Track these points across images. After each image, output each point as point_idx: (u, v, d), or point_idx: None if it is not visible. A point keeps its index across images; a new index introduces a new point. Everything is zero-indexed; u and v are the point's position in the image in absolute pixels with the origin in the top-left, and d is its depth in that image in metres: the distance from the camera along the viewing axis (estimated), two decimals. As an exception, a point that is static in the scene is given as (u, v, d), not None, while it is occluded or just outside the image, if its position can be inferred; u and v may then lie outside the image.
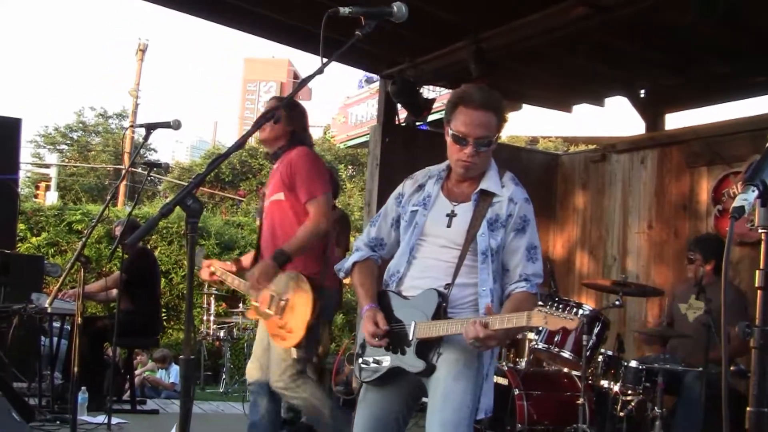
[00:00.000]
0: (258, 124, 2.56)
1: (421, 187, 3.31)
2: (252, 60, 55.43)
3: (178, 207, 2.38)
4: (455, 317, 3.06)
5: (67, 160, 33.91)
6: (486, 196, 3.16)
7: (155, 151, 37.52)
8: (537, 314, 2.79)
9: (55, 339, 7.15)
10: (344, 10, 2.60)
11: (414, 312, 3.12)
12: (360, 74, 17.41)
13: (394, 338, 3.14)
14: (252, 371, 4.45)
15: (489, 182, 3.18)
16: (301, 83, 2.55)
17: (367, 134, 15.15)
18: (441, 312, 3.06)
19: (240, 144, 2.40)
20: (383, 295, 3.29)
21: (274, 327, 4.25)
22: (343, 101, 17.99)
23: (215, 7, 7.31)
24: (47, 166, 31.29)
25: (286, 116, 4.39)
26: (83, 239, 4.95)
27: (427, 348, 3.08)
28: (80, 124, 35.88)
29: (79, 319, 4.50)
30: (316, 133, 35.26)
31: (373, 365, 3.21)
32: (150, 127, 4.49)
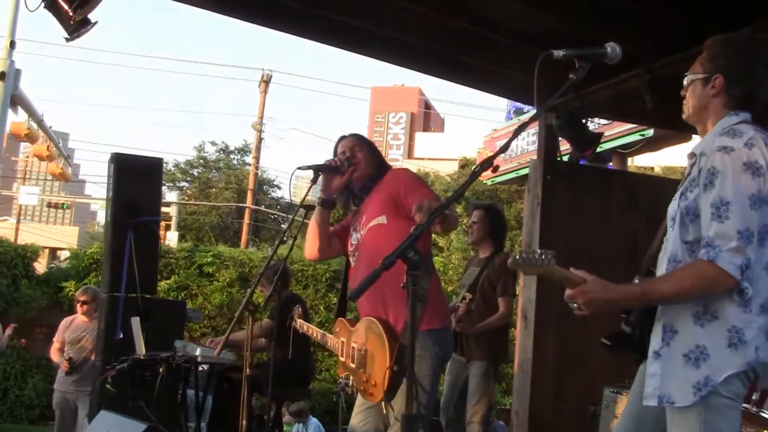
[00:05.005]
0: (466, 185, 2.62)
1: None
2: (379, 89, 55.86)
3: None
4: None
5: (186, 198, 34.85)
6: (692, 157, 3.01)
7: (279, 187, 38.27)
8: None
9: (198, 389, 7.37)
10: (558, 53, 2.66)
11: None
12: (504, 104, 17.33)
13: None
14: None
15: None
16: (516, 131, 2.63)
17: (517, 169, 15.00)
18: None
19: (459, 195, 2.51)
20: None
21: (360, 382, 4.19)
22: (490, 134, 17.89)
23: (340, 33, 7.39)
24: (168, 204, 32.14)
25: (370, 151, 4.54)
26: (251, 286, 5.09)
27: None
28: (201, 160, 36.89)
29: (248, 370, 4.66)
30: (450, 167, 35.28)
31: None
32: (319, 170, 4.38)
